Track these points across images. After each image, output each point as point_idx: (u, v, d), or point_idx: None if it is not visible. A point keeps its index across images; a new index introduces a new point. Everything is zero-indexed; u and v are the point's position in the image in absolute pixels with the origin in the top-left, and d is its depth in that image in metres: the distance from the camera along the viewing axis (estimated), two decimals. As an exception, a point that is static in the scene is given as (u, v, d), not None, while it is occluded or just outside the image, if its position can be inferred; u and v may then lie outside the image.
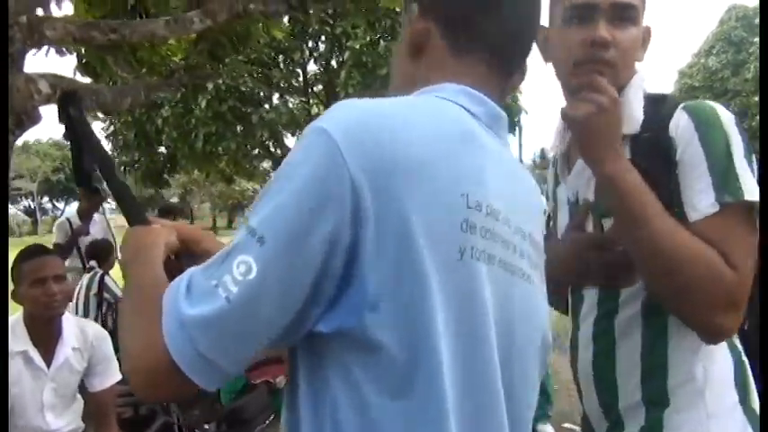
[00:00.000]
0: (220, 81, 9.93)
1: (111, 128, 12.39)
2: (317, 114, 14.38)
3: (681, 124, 1.12)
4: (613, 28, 1.14)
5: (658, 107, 1.17)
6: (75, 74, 4.85)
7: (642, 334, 1.16)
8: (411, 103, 0.76)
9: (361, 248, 0.66)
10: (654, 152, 1.12)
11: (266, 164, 13.73)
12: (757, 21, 25.88)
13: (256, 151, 12.45)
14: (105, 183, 1.03)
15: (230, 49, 5.27)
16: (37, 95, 3.25)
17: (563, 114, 1.13)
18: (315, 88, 13.06)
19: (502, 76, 0.86)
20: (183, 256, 0.95)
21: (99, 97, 3.75)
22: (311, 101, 13.20)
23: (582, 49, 1.15)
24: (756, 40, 25.86)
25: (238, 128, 11.05)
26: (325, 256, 0.66)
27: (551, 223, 1.44)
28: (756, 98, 24.06)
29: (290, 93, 13.25)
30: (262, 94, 11.97)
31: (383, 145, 0.67)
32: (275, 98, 12.96)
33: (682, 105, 1.14)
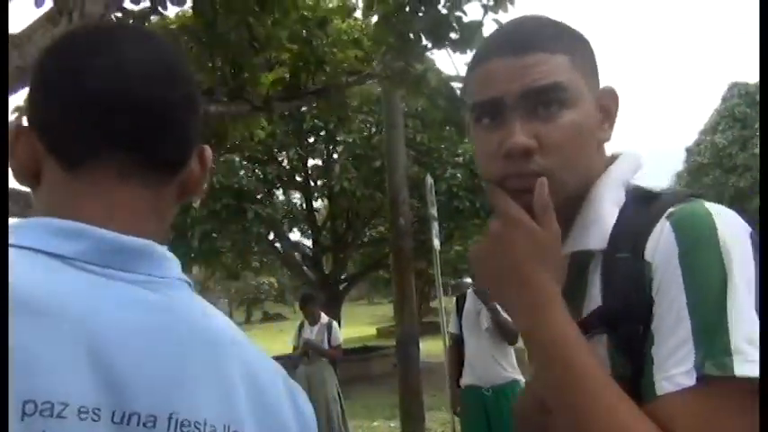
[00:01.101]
0: (214, 179, 9.99)
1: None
2: (319, 209, 14.58)
3: (661, 242, 0.76)
4: (538, 122, 0.80)
5: (642, 212, 0.81)
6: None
7: None
8: None
9: None
10: (627, 283, 0.78)
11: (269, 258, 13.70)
12: (757, 97, 26.18)
13: (258, 247, 12.41)
14: None
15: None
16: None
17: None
18: (318, 182, 13.16)
19: (152, 181, 0.66)
20: None
21: (29, 202, 3.66)
22: (315, 194, 13.29)
23: (498, 159, 0.82)
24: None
25: (242, 224, 11.05)
26: None
27: None
28: None
29: (292, 188, 13.36)
30: (267, 189, 12.06)
31: None
32: (280, 194, 13.08)
33: (668, 212, 0.78)
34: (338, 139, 11.88)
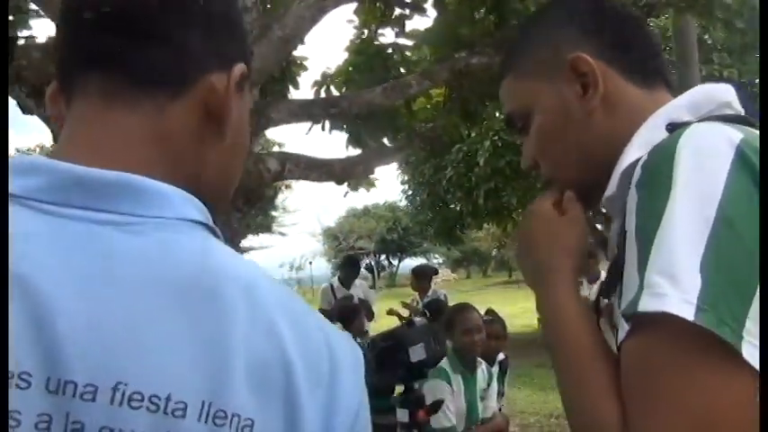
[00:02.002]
0: (496, 137, 9.97)
1: (410, 191, 13.34)
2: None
3: (635, 175, 0.70)
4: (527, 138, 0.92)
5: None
6: (347, 147, 5.27)
7: None
8: None
9: None
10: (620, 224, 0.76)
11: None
12: None
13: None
14: None
15: (480, 106, 5.21)
16: (266, 173, 3.58)
17: None
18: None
19: (144, 105, 0.57)
20: None
21: (327, 169, 4.01)
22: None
23: None
24: None
25: (526, 181, 10.95)
26: None
27: None
28: None
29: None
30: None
31: None
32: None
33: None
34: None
